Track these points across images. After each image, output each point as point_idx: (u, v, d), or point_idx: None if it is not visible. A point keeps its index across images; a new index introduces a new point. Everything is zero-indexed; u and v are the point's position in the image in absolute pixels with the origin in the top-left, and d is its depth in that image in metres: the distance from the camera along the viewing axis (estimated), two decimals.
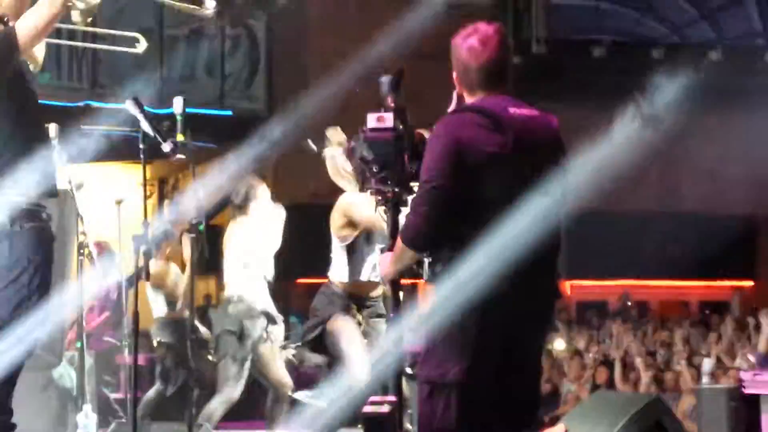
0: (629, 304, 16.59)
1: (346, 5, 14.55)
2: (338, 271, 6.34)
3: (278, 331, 7.46)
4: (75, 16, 4.92)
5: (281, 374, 7.39)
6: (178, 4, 5.80)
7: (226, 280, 7.36)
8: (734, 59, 15.51)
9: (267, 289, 7.39)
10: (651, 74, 13.22)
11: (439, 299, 4.13)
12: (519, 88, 4.31)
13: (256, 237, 7.37)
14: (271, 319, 7.32)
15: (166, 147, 5.94)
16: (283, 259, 7.65)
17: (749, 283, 17.54)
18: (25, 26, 4.53)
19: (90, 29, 7.42)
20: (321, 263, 6.64)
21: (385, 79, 4.50)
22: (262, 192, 7.47)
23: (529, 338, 4.22)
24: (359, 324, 6.25)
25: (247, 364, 7.18)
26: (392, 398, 4.45)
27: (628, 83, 13.73)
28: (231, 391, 7.13)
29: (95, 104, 11.97)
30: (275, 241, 7.45)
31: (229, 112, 13.59)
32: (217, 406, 7.11)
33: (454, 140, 4.06)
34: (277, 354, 7.43)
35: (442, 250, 4.12)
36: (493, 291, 4.03)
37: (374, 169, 4.46)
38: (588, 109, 13.56)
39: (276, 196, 7.75)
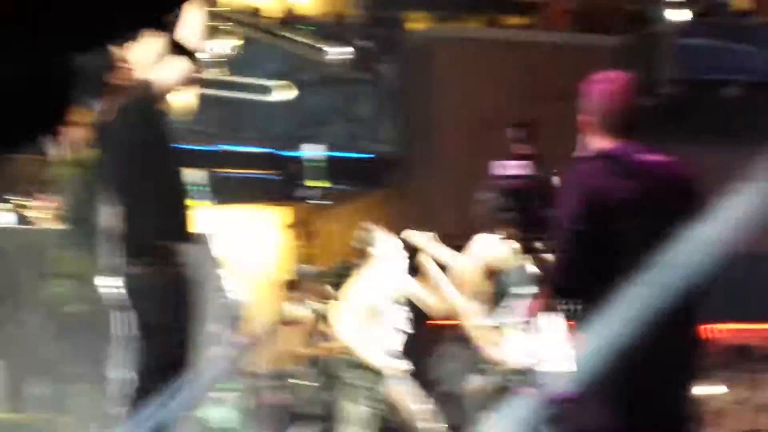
0: None
1: (473, 49, 14.61)
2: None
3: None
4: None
5: (406, 410, 7.30)
6: (304, 51, 5.93)
7: (338, 327, 7.28)
8: None
9: (386, 338, 7.26)
10: None
11: (586, 347, 4.16)
12: (649, 131, 4.32)
13: (374, 285, 7.31)
14: (376, 371, 7.20)
15: (302, 190, 6.04)
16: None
17: None
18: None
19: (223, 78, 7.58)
20: None
21: (517, 127, 4.54)
22: (383, 239, 7.36)
23: (675, 386, 4.20)
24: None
25: (363, 408, 7.14)
26: None
27: (763, 124, 13.49)
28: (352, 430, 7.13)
29: (231, 148, 12.21)
30: (397, 290, 7.38)
31: (363, 155, 13.73)
32: None
33: (587, 187, 4.09)
34: (403, 395, 7.34)
35: (584, 296, 4.16)
36: (636, 339, 4.02)
37: (508, 216, 4.51)
38: (722, 151, 13.35)
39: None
